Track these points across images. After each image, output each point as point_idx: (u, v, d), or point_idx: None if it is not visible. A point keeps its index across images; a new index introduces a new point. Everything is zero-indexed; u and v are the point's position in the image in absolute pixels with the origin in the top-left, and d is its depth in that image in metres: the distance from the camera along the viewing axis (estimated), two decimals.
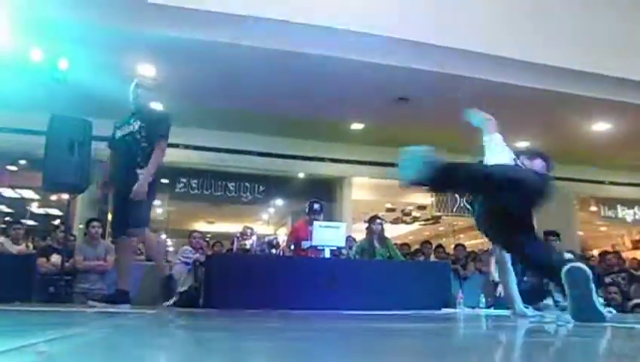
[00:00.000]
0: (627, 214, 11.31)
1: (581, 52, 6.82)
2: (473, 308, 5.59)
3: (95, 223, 6.02)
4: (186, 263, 5.97)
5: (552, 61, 6.70)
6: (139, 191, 4.00)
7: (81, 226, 7.73)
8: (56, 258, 5.70)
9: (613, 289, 6.38)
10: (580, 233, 11.71)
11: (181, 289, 5.79)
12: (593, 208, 11.37)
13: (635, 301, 6.14)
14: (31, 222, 12.85)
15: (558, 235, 6.20)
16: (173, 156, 9.11)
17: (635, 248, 13.04)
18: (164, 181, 9.54)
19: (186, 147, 8.80)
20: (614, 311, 5.95)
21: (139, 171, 4.05)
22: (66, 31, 5.69)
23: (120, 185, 4.14)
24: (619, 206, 11.25)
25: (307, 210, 6.20)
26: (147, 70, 6.64)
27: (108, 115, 7.81)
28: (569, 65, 6.73)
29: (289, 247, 6.22)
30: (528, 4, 6.85)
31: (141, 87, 4.45)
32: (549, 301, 5.34)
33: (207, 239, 8.39)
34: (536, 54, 6.64)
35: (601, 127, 8.19)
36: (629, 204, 11.27)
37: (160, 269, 4.34)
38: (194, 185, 9.39)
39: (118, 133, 4.32)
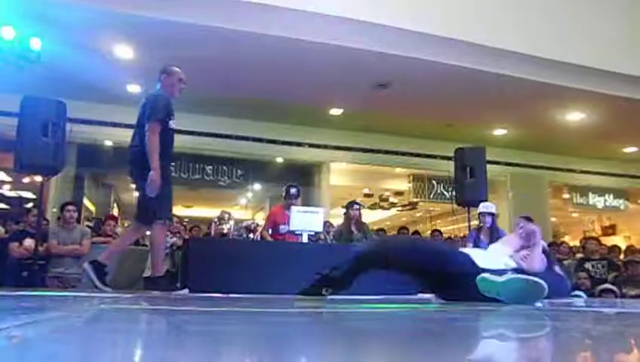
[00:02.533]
0: (598, 201, 11.62)
1: (557, 42, 6.92)
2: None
3: (70, 207, 5.93)
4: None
5: (529, 50, 6.78)
6: (150, 186, 3.92)
7: (54, 210, 7.62)
8: (29, 242, 5.61)
9: (583, 275, 6.59)
10: (553, 219, 11.99)
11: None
12: (566, 195, 11.63)
13: (603, 286, 6.32)
14: (2, 206, 12.63)
15: (531, 220, 6.32)
16: None
17: (604, 234, 13.39)
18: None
19: None
20: (584, 296, 6.15)
21: None
22: (39, 9, 5.55)
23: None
24: (590, 193, 11.53)
25: (284, 194, 6.20)
26: (124, 51, 6.53)
27: (83, 97, 7.75)
28: (544, 55, 6.82)
29: (267, 231, 6.22)
30: None
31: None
32: None
33: (185, 223, 8.35)
34: (512, 43, 6.71)
35: (575, 116, 8.33)
36: (600, 191, 11.56)
37: (155, 269, 4.28)
38: (171, 168, 9.29)
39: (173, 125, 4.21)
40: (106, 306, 2.37)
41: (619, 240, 12.11)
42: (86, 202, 10.09)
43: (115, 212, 11.92)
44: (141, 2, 5.57)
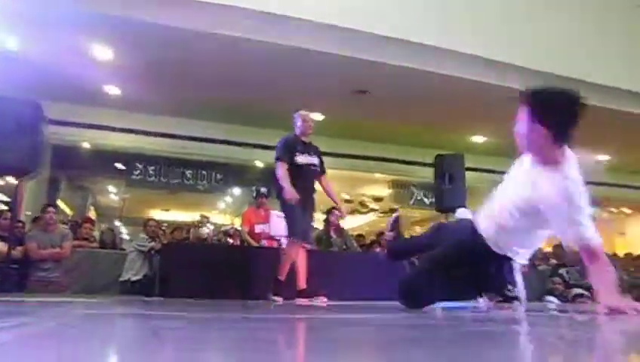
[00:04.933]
0: None
1: (538, 52, 7.05)
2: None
3: (51, 208, 5.80)
4: (141, 251, 5.88)
5: (509, 59, 6.89)
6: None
7: (28, 213, 7.46)
8: (1, 246, 5.48)
9: (557, 281, 6.70)
10: None
11: (135, 277, 5.71)
12: None
13: (576, 291, 6.42)
14: None
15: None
16: (129, 142, 8.98)
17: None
18: (120, 167, 9.33)
19: (144, 133, 8.61)
20: (557, 301, 6.26)
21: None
22: (16, 7, 5.45)
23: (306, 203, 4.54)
24: None
25: (254, 195, 6.42)
26: (104, 52, 6.45)
27: (60, 98, 7.63)
28: (525, 64, 6.93)
29: (248, 235, 6.21)
30: (493, 5, 7.01)
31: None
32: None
33: (164, 227, 8.26)
34: (492, 51, 6.81)
35: None
36: None
37: (300, 286, 4.48)
38: (151, 172, 9.21)
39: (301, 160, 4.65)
40: (80, 311, 2.32)
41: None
42: (61, 205, 9.92)
43: (92, 215, 11.74)
44: (121, 3, 5.50)
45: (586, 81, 7.19)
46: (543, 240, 2.84)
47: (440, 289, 2.72)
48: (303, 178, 4.55)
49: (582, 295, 6.35)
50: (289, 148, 4.61)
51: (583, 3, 7.71)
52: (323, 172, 4.86)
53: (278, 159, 4.59)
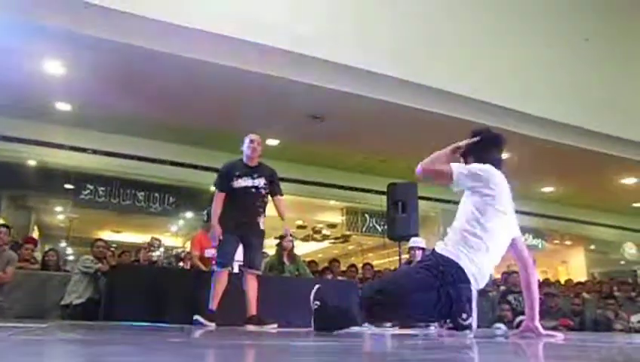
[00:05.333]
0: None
1: (488, 83, 7.32)
2: (379, 326, 5.71)
3: (2, 229, 5.55)
4: (86, 273, 5.66)
5: (463, 91, 7.16)
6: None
7: None
8: None
9: (506, 307, 6.86)
10: None
11: (78, 301, 5.49)
12: None
13: (521, 317, 6.58)
14: None
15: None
16: (80, 161, 8.72)
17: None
18: (69, 187, 9.03)
19: (95, 152, 8.41)
20: (504, 327, 6.39)
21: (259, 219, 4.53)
22: None
23: (244, 228, 4.47)
24: None
25: (205, 219, 6.23)
26: (54, 67, 6.29)
27: (4, 112, 7.37)
28: (479, 97, 7.21)
29: (197, 259, 6.08)
30: (446, 36, 7.27)
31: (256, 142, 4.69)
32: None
33: (113, 249, 8.01)
34: (452, 85, 7.06)
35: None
36: (521, 231, 12.14)
37: (253, 308, 4.40)
38: (101, 192, 8.96)
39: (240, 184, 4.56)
40: (15, 336, 2.22)
41: (537, 274, 12.73)
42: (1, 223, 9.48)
43: (36, 235, 11.27)
44: (73, 17, 5.40)
45: (531, 114, 7.52)
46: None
47: (399, 310, 2.73)
48: (241, 202, 4.50)
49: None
50: (226, 175, 4.59)
51: (533, 34, 8.07)
52: (275, 194, 4.72)
53: (215, 187, 4.65)
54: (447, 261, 2.72)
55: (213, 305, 4.30)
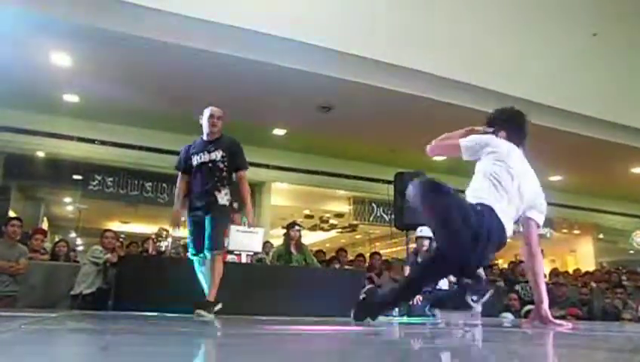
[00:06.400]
0: None
1: (498, 75, 7.28)
2: (387, 315, 5.74)
3: (15, 222, 5.62)
4: (95, 263, 5.71)
5: (475, 81, 7.12)
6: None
7: None
8: None
9: (514, 296, 6.87)
10: None
11: (87, 291, 5.54)
12: None
13: (528, 307, 6.58)
14: None
15: None
16: (88, 152, 8.76)
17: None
18: (78, 178, 9.09)
19: (103, 143, 8.45)
20: (512, 316, 6.40)
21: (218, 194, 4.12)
22: None
23: (203, 207, 4.10)
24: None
25: None
26: (62, 59, 6.31)
27: (14, 104, 7.41)
28: (487, 85, 7.17)
29: None
30: (457, 29, 7.22)
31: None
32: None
33: (122, 239, 8.07)
34: (461, 75, 7.02)
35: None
36: None
37: (213, 292, 4.03)
38: (109, 183, 9.00)
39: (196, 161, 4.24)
40: (27, 326, 2.24)
41: (545, 263, 12.71)
42: (12, 215, 9.56)
43: (45, 226, 11.35)
44: (82, 10, 5.41)
45: (541, 103, 7.47)
46: None
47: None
48: (198, 180, 4.18)
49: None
50: (184, 153, 4.34)
51: (544, 25, 8.01)
52: (237, 168, 4.25)
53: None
54: (481, 204, 2.70)
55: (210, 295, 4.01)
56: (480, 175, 2.88)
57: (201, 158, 4.20)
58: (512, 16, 7.82)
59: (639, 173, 10.37)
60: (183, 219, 4.29)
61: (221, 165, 4.17)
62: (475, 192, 2.82)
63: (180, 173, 4.35)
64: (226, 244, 4.66)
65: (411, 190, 2.74)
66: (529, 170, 2.98)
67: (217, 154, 4.18)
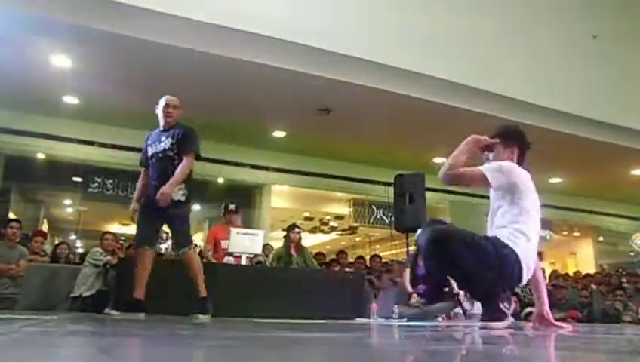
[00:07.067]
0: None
1: (497, 74, 7.29)
2: (387, 318, 5.74)
3: (14, 224, 5.63)
4: (95, 266, 5.71)
5: (477, 83, 7.13)
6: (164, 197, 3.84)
7: None
8: None
9: (514, 299, 6.86)
10: None
11: (87, 293, 5.53)
12: None
13: (527, 309, 6.59)
14: None
15: None
16: (88, 154, 8.76)
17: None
18: (77, 180, 9.08)
19: (103, 145, 8.44)
20: (512, 318, 6.38)
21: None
22: None
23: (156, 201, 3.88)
24: None
25: (223, 211, 6.20)
26: (62, 61, 6.31)
27: (13, 106, 7.40)
28: (485, 87, 7.18)
29: (208, 249, 6.10)
30: (457, 30, 7.23)
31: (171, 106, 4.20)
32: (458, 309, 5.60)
33: (121, 241, 8.06)
34: (462, 77, 7.05)
35: None
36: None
37: (201, 290, 3.90)
38: (109, 185, 9.00)
39: (150, 152, 4.12)
40: (27, 328, 2.24)
41: (545, 266, 12.71)
42: (12, 217, 9.56)
43: (45, 228, 11.35)
44: (82, 12, 5.42)
45: (541, 105, 7.48)
46: None
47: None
48: (152, 172, 4.05)
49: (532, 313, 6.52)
50: (144, 149, 4.20)
51: (545, 29, 8.04)
52: (182, 154, 4.01)
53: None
54: (505, 246, 2.71)
55: (137, 291, 3.87)
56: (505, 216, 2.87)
57: (153, 149, 4.08)
58: (513, 19, 7.84)
59: (638, 175, 10.36)
60: (136, 216, 4.14)
61: (171, 153, 3.98)
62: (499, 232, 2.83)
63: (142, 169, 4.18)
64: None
65: (421, 238, 2.76)
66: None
67: (167, 143, 4.02)
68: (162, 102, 4.20)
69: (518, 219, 2.80)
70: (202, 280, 3.91)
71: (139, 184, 4.23)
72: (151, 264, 3.96)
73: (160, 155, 4.01)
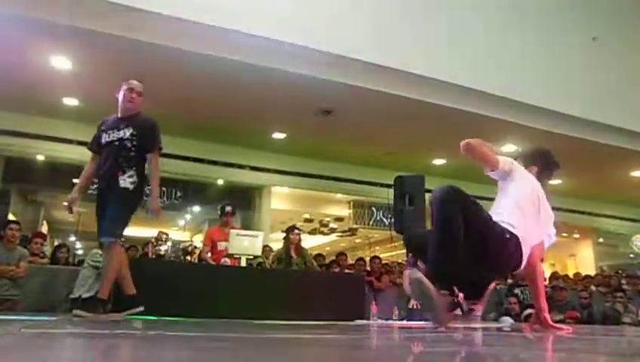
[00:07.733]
0: None
1: (503, 78, 7.29)
2: (387, 319, 5.74)
3: (14, 225, 5.62)
4: (95, 267, 5.69)
5: (470, 83, 7.13)
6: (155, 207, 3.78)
7: None
8: None
9: (513, 300, 6.86)
10: None
11: (87, 294, 5.52)
12: None
13: (527, 311, 6.58)
14: None
15: None
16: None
17: None
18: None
19: None
20: (511, 320, 6.39)
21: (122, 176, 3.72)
22: None
23: (103, 190, 3.79)
24: None
25: (219, 213, 6.19)
26: (62, 63, 6.32)
27: (13, 108, 7.40)
28: (486, 89, 7.18)
29: (206, 252, 6.10)
30: (457, 32, 7.23)
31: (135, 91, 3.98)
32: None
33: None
34: (462, 79, 7.03)
35: (509, 148, 8.70)
36: None
37: (105, 289, 3.73)
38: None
39: (104, 139, 3.90)
40: (27, 330, 2.24)
41: (545, 267, 12.71)
42: (11, 219, 9.55)
43: (45, 229, 11.34)
44: (81, 14, 5.42)
45: (542, 107, 7.48)
46: None
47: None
48: (103, 160, 3.82)
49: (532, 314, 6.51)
50: (96, 133, 3.96)
51: (545, 31, 8.06)
52: (147, 149, 3.86)
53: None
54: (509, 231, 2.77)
55: (130, 289, 3.79)
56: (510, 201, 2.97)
57: (109, 136, 3.84)
58: (512, 20, 7.84)
59: (639, 177, 10.36)
60: (76, 208, 3.96)
61: (129, 144, 3.79)
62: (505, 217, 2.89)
63: (91, 154, 3.96)
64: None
65: (436, 191, 2.90)
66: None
67: (126, 132, 3.82)
68: (125, 85, 3.98)
69: (507, 208, 2.90)
70: (110, 281, 3.72)
71: (84, 172, 3.98)
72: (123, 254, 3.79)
73: (116, 143, 3.80)
